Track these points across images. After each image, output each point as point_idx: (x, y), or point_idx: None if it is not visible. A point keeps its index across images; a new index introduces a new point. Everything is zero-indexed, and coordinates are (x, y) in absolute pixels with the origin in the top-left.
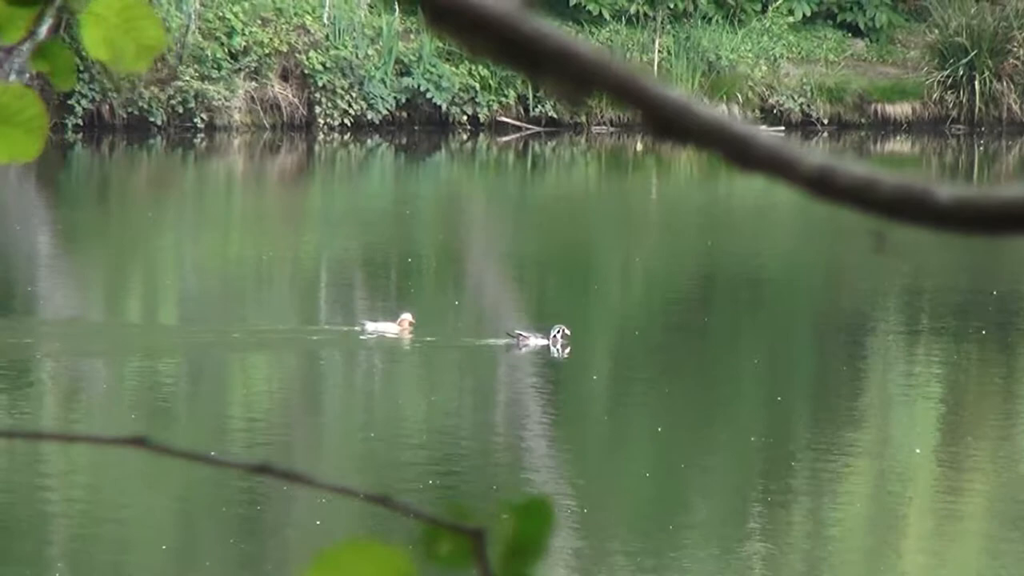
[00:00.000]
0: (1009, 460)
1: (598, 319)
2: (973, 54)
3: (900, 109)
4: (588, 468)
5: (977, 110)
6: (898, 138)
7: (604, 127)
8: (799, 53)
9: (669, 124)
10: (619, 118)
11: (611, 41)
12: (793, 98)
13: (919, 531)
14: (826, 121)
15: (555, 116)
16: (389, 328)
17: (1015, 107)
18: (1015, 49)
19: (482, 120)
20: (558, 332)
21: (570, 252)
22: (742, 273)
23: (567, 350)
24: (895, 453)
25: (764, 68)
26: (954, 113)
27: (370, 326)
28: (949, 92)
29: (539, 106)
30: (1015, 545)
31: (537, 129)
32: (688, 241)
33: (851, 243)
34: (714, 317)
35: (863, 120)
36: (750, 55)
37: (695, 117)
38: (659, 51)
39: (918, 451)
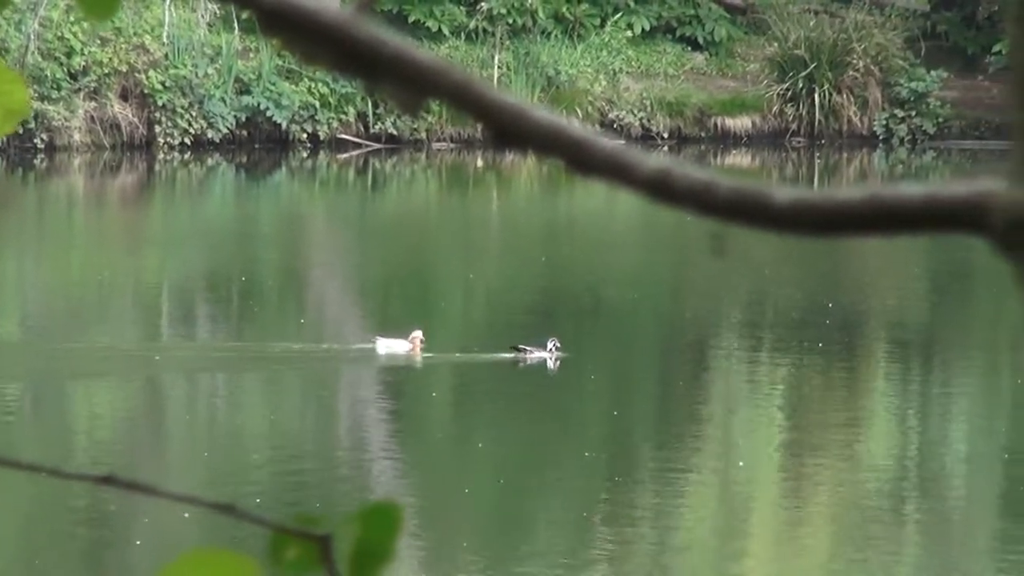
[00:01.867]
0: (849, 470)
1: (441, 335)
2: (812, 67)
3: (740, 122)
4: (431, 481)
5: (817, 123)
6: (738, 151)
7: (444, 143)
8: (639, 67)
9: (507, 130)
10: (459, 134)
11: (451, 57)
12: (633, 112)
13: (761, 543)
14: (666, 135)
15: (395, 133)
16: (400, 345)
17: (855, 119)
18: (854, 62)
19: (322, 137)
20: (552, 345)
21: (411, 269)
22: (582, 288)
23: (558, 362)
24: (735, 467)
25: (604, 82)
26: (794, 126)
27: (381, 343)
28: (789, 105)
29: (379, 123)
30: (856, 553)
31: (377, 146)
32: (529, 256)
33: (692, 257)
34: (554, 331)
35: (703, 134)
36: (590, 70)
37: (533, 122)
38: (498, 66)
39: (758, 464)
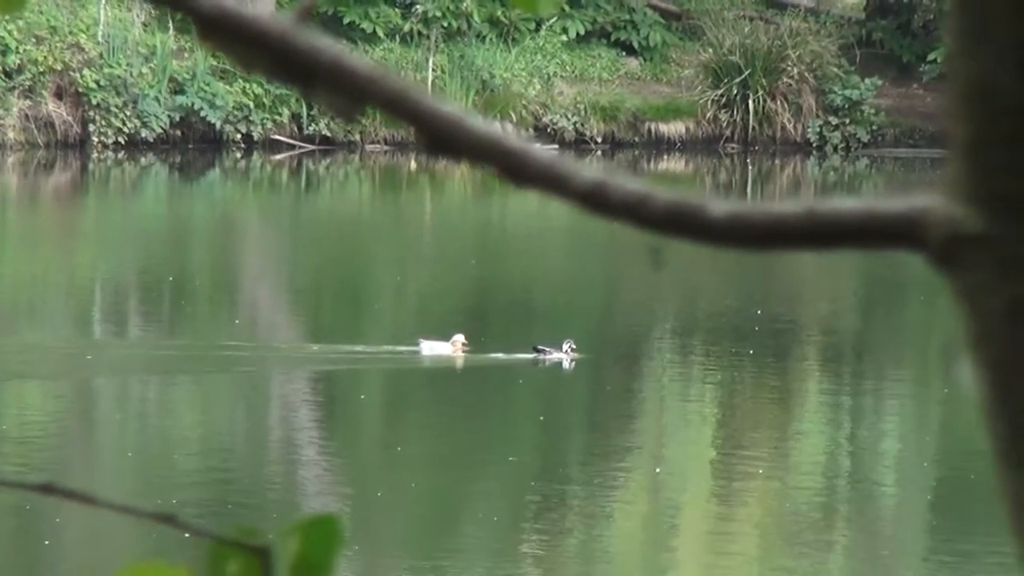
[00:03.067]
0: (779, 479)
1: (371, 339)
2: (747, 73)
3: (674, 128)
4: (360, 490)
5: (751, 129)
6: (672, 157)
7: (378, 145)
8: (573, 71)
9: (442, 138)
10: (393, 137)
11: (385, 59)
12: (567, 116)
13: (690, 553)
14: (600, 140)
15: (329, 135)
16: (443, 348)
17: (788, 126)
18: (789, 68)
19: (256, 138)
20: (568, 347)
21: (342, 273)
22: (512, 293)
23: (573, 363)
24: (665, 476)
25: (538, 86)
26: (728, 132)
27: (425, 346)
28: (723, 111)
29: (313, 124)
30: (787, 561)
31: (311, 147)
32: (460, 260)
33: (625, 264)
34: (486, 340)
35: (637, 139)
36: (524, 73)
37: (468, 131)
38: (433, 70)
39: (687, 474)
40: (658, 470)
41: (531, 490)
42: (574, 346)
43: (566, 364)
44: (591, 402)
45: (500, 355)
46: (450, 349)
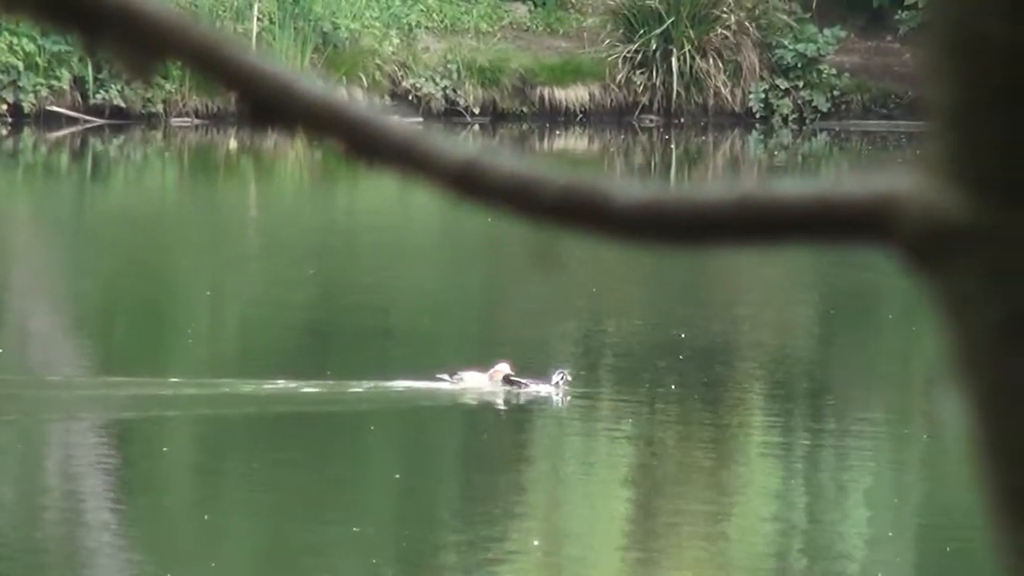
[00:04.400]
0: (714, 549)
1: (178, 367)
2: (669, 23)
3: (574, 94)
4: (164, 564)
5: (675, 96)
6: (572, 132)
7: (187, 119)
8: (441, 22)
9: (268, 104)
10: (207, 107)
11: (195, 6)
12: (434, 80)
13: None
14: (477, 110)
15: (123, 105)
16: (479, 379)
17: (724, 91)
18: (724, 16)
19: (27, 110)
20: (560, 378)
21: (142, 284)
22: (362, 311)
23: (567, 397)
24: (565, 543)
25: (396, 41)
26: (644, 100)
27: (464, 377)
28: (638, 72)
29: (102, 91)
30: None
31: (100, 121)
32: (293, 268)
33: (509, 271)
34: (329, 363)
35: (525, 109)
36: (377, 24)
37: (302, 97)
38: (259, 18)
39: (593, 541)
40: (536, 543)
41: (390, 560)
42: (568, 377)
43: (555, 398)
44: (460, 450)
45: (352, 389)
46: (486, 380)
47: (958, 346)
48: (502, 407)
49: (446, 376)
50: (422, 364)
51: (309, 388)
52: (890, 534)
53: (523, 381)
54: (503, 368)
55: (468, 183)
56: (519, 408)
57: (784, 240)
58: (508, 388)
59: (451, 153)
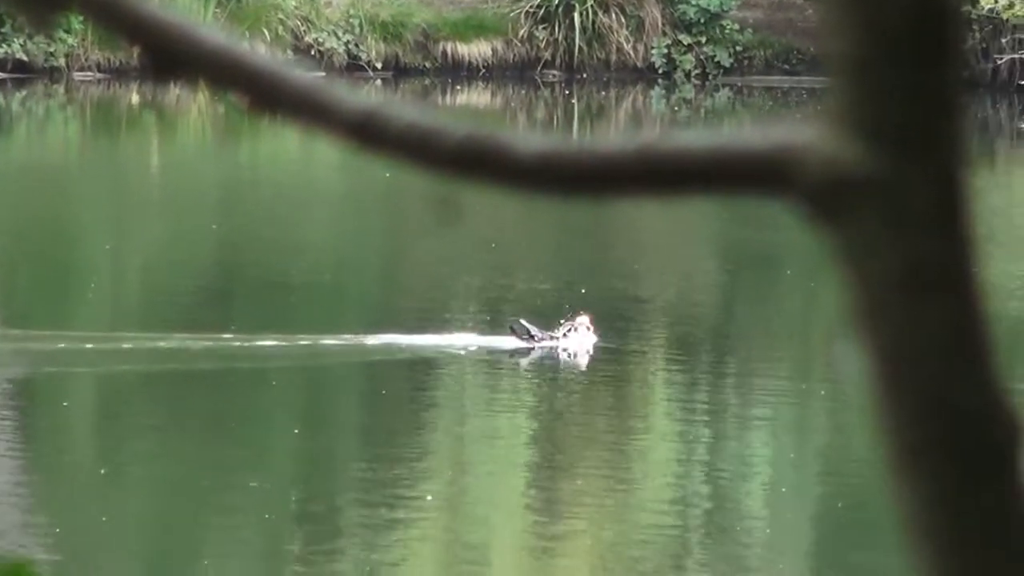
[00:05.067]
0: (616, 503)
1: (79, 322)
2: None
3: (477, 49)
4: (65, 523)
5: (577, 51)
6: (474, 87)
7: (90, 72)
8: None
9: (170, 56)
10: (110, 61)
11: None
12: (337, 35)
13: None
14: (380, 65)
15: (24, 58)
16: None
17: (626, 47)
18: None
19: None
20: (581, 323)
21: (43, 238)
22: (264, 265)
23: (593, 350)
24: (471, 498)
25: None
26: (547, 55)
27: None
28: (540, 27)
29: (4, 45)
30: None
31: (2, 76)
32: (197, 222)
33: (411, 226)
34: (231, 318)
35: (428, 64)
36: None
37: (203, 46)
38: None
39: (499, 493)
40: (431, 498)
41: (287, 518)
42: (589, 325)
43: (579, 349)
44: (365, 406)
45: (244, 343)
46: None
47: (858, 299)
48: (404, 363)
49: (526, 333)
50: (324, 319)
51: (211, 343)
52: (783, 489)
53: (533, 330)
54: (584, 320)
55: (368, 134)
56: (424, 362)
57: (684, 191)
58: (520, 337)
59: (352, 104)
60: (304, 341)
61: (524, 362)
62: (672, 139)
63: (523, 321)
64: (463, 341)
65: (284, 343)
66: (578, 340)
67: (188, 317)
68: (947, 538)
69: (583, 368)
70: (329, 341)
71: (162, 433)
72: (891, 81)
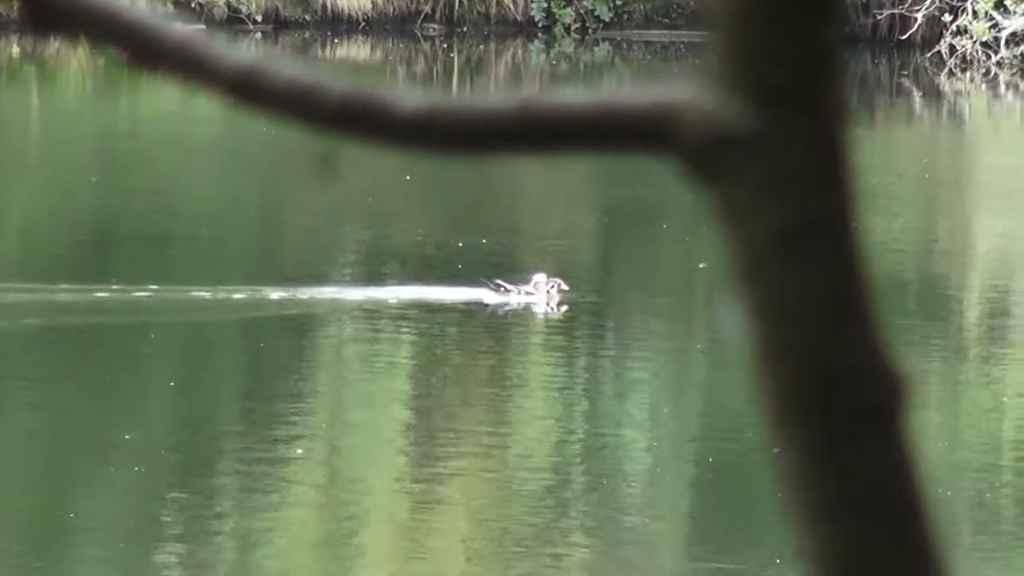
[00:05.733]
0: (492, 464)
1: None
2: None
3: (356, 2)
4: None
5: (457, 4)
6: (354, 41)
7: None
8: None
9: (47, 9)
10: None
11: None
12: None
13: (377, 554)
14: (259, 18)
15: None
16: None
17: (506, 1)
18: None
19: None
20: (552, 286)
21: None
22: (144, 218)
23: (561, 307)
24: (347, 459)
25: None
26: (427, 8)
27: (512, 292)
28: None
29: None
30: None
31: None
32: (77, 175)
33: (290, 181)
34: (112, 270)
35: (308, 17)
36: None
37: (84, 2)
38: None
39: (373, 457)
40: (305, 450)
41: (161, 472)
42: (563, 285)
43: (547, 307)
44: (242, 360)
45: (123, 296)
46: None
47: (737, 257)
48: (282, 317)
49: (496, 286)
50: (203, 272)
51: (91, 295)
52: (655, 444)
53: (509, 287)
54: (541, 278)
55: (248, 89)
56: (303, 317)
57: (564, 148)
58: (494, 290)
59: (232, 59)
60: (183, 294)
61: (405, 316)
62: (552, 96)
63: (498, 280)
64: (341, 294)
65: (163, 296)
66: (541, 297)
67: (66, 269)
68: (827, 499)
69: (460, 325)
70: (207, 294)
71: (37, 385)
72: (771, 38)
